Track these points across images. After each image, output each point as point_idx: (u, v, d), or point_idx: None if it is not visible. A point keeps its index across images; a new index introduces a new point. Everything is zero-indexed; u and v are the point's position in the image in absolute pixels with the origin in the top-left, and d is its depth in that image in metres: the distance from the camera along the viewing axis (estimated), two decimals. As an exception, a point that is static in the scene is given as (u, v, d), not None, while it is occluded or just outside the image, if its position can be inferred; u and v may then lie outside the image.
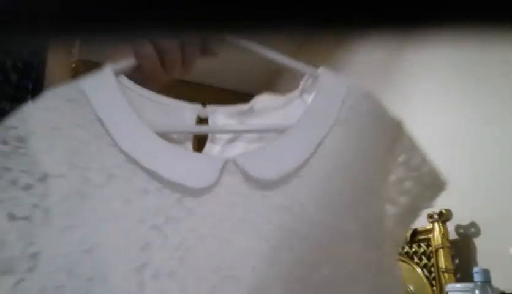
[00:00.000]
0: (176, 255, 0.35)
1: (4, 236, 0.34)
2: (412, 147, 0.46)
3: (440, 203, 1.46)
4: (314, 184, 0.38)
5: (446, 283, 1.24)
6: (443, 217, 1.31)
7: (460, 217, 1.33)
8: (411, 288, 1.39)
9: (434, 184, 0.47)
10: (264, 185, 0.37)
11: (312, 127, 0.41)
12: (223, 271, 0.34)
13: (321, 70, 0.45)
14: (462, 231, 1.34)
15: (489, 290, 1.06)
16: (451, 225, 1.34)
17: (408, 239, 1.42)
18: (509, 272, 1.16)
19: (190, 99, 0.44)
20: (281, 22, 0.26)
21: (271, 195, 0.37)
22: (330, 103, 0.42)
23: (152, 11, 0.25)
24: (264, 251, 0.35)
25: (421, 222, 1.38)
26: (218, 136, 0.45)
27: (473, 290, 1.08)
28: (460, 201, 1.35)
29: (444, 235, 1.30)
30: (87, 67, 0.49)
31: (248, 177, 0.37)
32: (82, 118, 0.38)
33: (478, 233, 1.30)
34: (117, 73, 0.42)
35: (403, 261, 1.45)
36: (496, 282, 1.11)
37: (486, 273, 1.08)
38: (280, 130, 0.41)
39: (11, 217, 0.34)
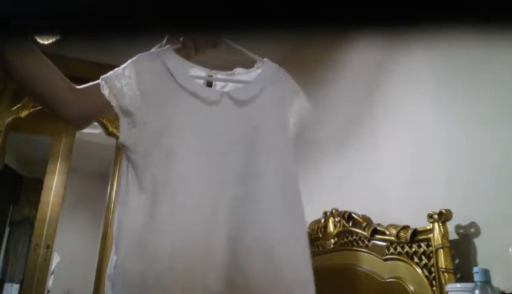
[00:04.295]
0: (202, 127, 0.85)
1: (135, 112, 0.84)
2: (301, 98, 0.98)
3: (440, 203, 1.47)
4: (260, 106, 0.91)
5: (446, 283, 1.24)
6: (443, 217, 1.31)
7: (460, 217, 1.33)
8: (411, 288, 1.39)
9: (308, 114, 0.98)
10: (240, 103, 0.89)
11: (260, 82, 0.93)
12: (223, 137, 0.86)
13: (265, 59, 0.98)
14: (462, 231, 1.34)
15: (489, 290, 1.06)
16: (451, 225, 1.34)
17: (408, 239, 1.43)
18: (509, 272, 1.16)
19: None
20: (281, 23, 0.26)
21: (242, 108, 0.89)
22: (267, 73, 0.95)
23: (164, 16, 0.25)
24: (238, 130, 0.87)
25: (421, 222, 1.38)
26: (217, 83, 0.98)
27: (473, 290, 1.08)
28: (460, 201, 1.35)
29: (444, 235, 1.30)
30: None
31: (233, 99, 0.89)
32: (159, 68, 0.87)
33: (478, 233, 1.30)
34: (172, 49, 0.91)
35: (403, 261, 1.45)
36: (496, 282, 1.11)
37: (486, 273, 1.08)
38: (246, 82, 0.94)
39: (132, 106, 0.84)
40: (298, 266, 0.83)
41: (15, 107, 2.70)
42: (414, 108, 1.66)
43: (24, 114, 2.71)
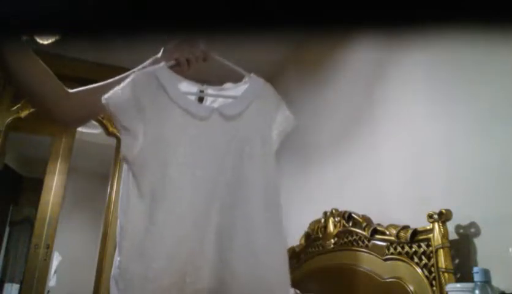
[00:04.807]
0: (194, 140, 0.93)
1: (134, 128, 0.91)
2: (284, 110, 1.06)
3: (440, 203, 1.47)
4: (247, 120, 0.99)
5: (446, 283, 1.24)
6: (443, 217, 1.31)
7: (460, 217, 1.33)
8: (411, 288, 1.38)
9: (291, 125, 1.07)
10: (228, 118, 0.98)
11: (247, 97, 1.02)
12: (213, 150, 0.95)
13: (252, 74, 1.07)
14: (462, 231, 1.34)
15: (489, 290, 1.06)
16: (451, 225, 1.34)
17: (408, 239, 1.43)
18: (509, 272, 1.16)
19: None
20: (281, 23, 0.26)
21: (230, 122, 0.98)
22: (255, 88, 1.04)
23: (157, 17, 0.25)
24: (227, 143, 0.96)
25: (421, 222, 1.38)
26: (208, 98, 1.07)
27: (473, 290, 1.08)
28: (460, 201, 1.35)
29: (444, 235, 1.30)
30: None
31: (222, 115, 0.97)
32: (155, 85, 0.94)
33: (478, 233, 1.30)
34: (166, 66, 0.99)
35: (403, 261, 1.45)
36: (496, 282, 1.11)
37: (486, 273, 1.08)
38: (235, 97, 1.03)
39: (131, 123, 0.91)
40: (278, 271, 0.94)
41: (15, 107, 2.70)
42: (414, 108, 1.66)
43: (24, 114, 2.70)
